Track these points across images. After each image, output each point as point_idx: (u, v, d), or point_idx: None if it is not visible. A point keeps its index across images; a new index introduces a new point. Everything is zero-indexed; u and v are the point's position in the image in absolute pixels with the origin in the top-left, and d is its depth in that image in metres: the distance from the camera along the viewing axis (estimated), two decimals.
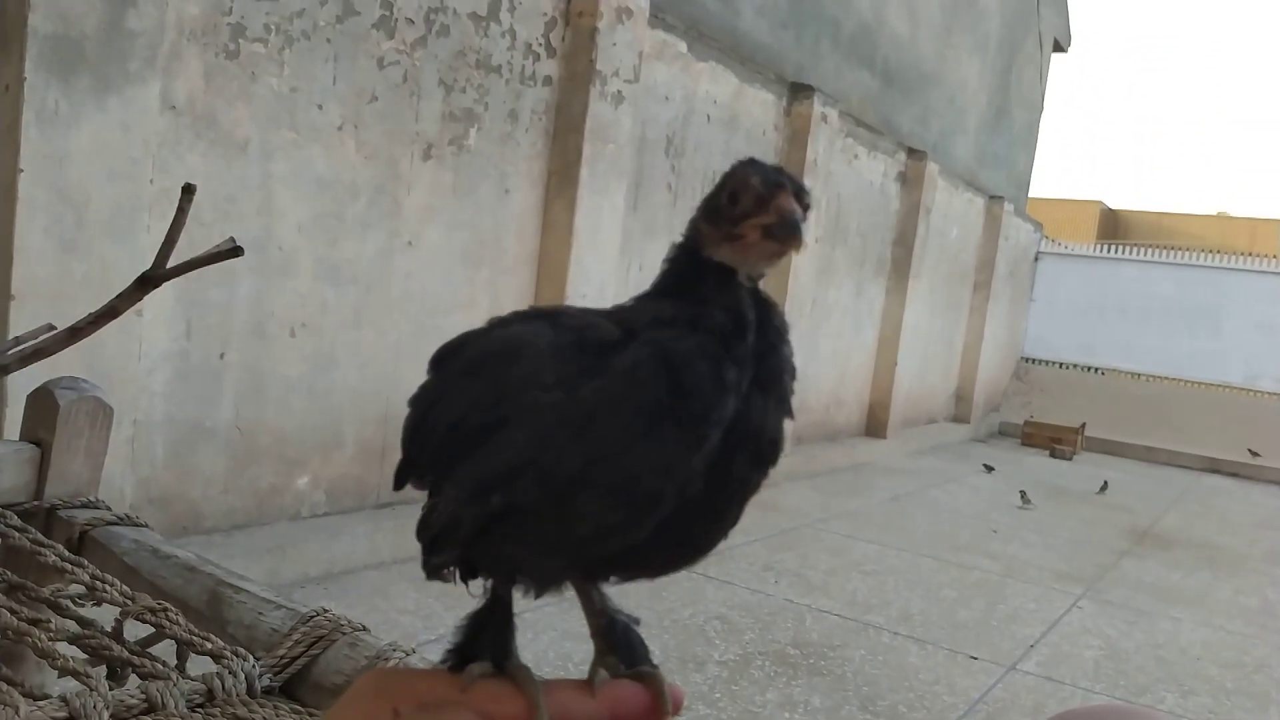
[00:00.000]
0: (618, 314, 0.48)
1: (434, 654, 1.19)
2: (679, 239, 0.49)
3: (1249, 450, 10.13)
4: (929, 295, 8.83)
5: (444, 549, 0.48)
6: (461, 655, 0.49)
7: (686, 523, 0.45)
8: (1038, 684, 3.32)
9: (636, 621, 0.52)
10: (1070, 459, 9.46)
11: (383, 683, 0.47)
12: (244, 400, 3.41)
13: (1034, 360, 12.50)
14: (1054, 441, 9.83)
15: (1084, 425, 10.18)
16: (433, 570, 0.51)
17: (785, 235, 0.45)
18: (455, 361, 0.50)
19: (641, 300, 0.48)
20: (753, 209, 0.45)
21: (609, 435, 0.43)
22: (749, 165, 0.47)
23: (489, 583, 0.50)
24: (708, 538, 0.48)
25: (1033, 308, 12.47)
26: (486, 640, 0.48)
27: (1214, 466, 9.96)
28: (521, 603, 0.50)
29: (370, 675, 0.48)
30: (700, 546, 0.48)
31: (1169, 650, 3.86)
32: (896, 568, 4.59)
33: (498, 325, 0.50)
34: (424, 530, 0.50)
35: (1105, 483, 7.81)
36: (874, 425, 8.20)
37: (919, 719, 2.92)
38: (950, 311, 9.65)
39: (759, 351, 0.45)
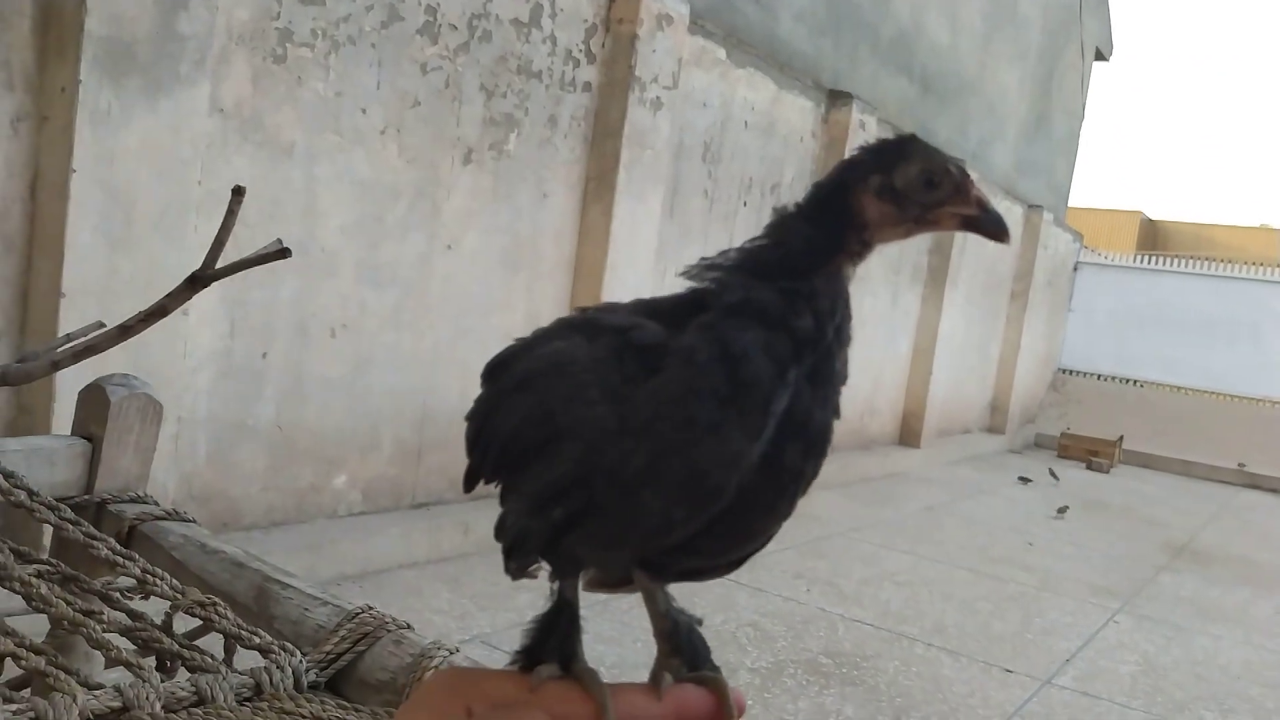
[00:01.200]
0: (703, 285, 0.48)
1: (473, 654, 1.20)
2: (796, 205, 0.48)
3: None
4: (965, 304, 8.75)
5: (520, 557, 0.50)
6: (529, 657, 0.49)
7: (741, 514, 0.46)
8: (1074, 699, 3.28)
9: (699, 622, 0.53)
10: (1108, 472, 9.33)
11: (455, 682, 0.49)
12: (285, 399, 3.46)
13: (1071, 371, 12.35)
14: (1091, 454, 9.70)
15: (1121, 438, 10.04)
16: (514, 573, 0.52)
17: (997, 230, 0.47)
18: (506, 376, 0.52)
19: (738, 272, 0.47)
20: (949, 197, 0.47)
21: (675, 430, 0.43)
22: (929, 148, 0.47)
23: (555, 585, 0.51)
24: (762, 528, 0.49)
25: (1071, 318, 12.32)
26: (554, 643, 0.49)
27: (1253, 481, 9.78)
28: None
29: (442, 674, 0.49)
30: (755, 536, 0.49)
31: (1207, 668, 3.80)
32: (930, 578, 4.55)
33: (541, 339, 0.51)
34: (500, 536, 0.51)
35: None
36: (908, 435, 8.14)
37: None
38: (987, 321, 9.56)
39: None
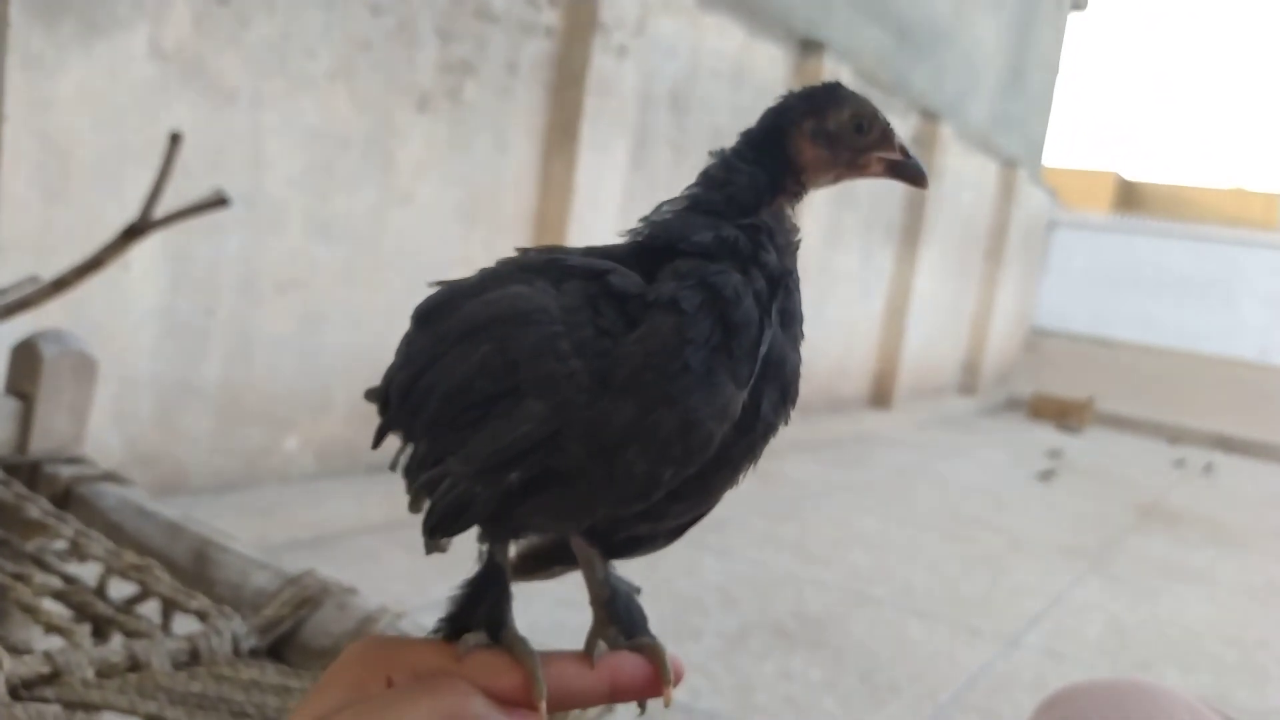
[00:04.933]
0: (653, 230, 0.46)
1: (427, 620, 1.13)
2: (731, 151, 0.49)
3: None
4: (939, 263, 8.68)
5: (456, 526, 0.45)
6: (455, 625, 0.47)
7: (709, 471, 0.44)
8: (1039, 658, 3.26)
9: (638, 591, 0.51)
10: (1078, 433, 9.37)
11: (376, 650, 0.46)
12: (231, 358, 3.33)
13: (1045, 331, 12.37)
14: (1062, 415, 9.73)
15: (1092, 399, 10.08)
16: (434, 546, 0.48)
17: (918, 176, 0.49)
18: (448, 321, 0.46)
19: (689, 213, 0.46)
20: (876, 142, 0.48)
21: (666, 380, 0.41)
22: (856, 94, 0.49)
23: (484, 549, 0.48)
24: (722, 486, 0.47)
25: (1045, 278, 12.32)
26: (482, 610, 0.47)
27: (1223, 443, 9.85)
28: None
29: (363, 643, 0.46)
30: (714, 495, 0.47)
31: (1172, 626, 3.80)
32: (899, 540, 4.52)
33: (491, 280, 0.46)
34: (416, 502, 0.47)
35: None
36: (879, 396, 8.10)
37: (918, 692, 2.86)
38: (960, 280, 9.50)
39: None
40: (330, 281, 3.57)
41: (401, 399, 0.48)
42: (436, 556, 0.54)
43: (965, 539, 4.70)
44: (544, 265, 0.46)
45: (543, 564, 0.54)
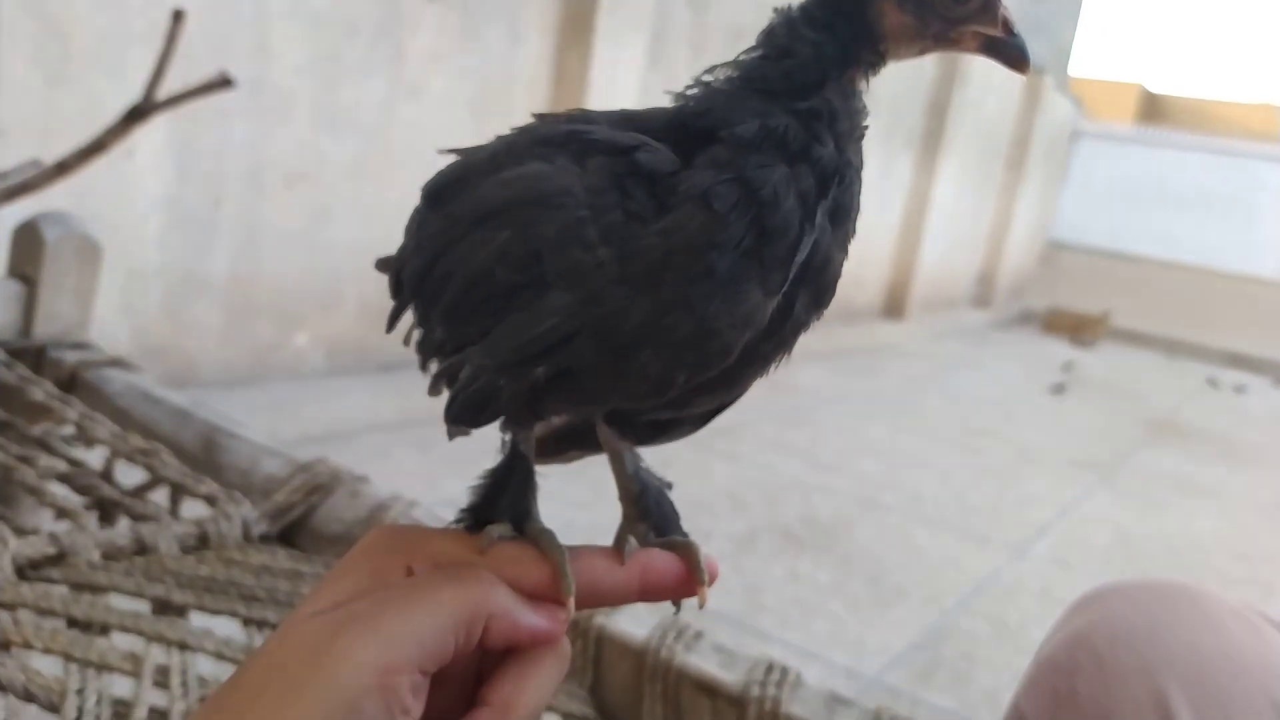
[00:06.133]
0: (696, 105, 0.42)
1: (441, 513, 1.09)
2: (800, 8, 0.43)
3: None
4: (959, 172, 8.49)
5: (479, 418, 0.43)
6: (478, 515, 0.45)
7: (734, 369, 0.42)
8: (1047, 567, 3.28)
9: (669, 486, 0.49)
10: (1092, 347, 9.31)
11: (396, 538, 0.44)
12: (240, 252, 3.28)
13: (1062, 244, 12.18)
14: (1076, 329, 9.66)
15: (1107, 313, 9.99)
16: (460, 434, 0.45)
17: (1019, 58, 0.43)
18: (462, 202, 0.42)
19: (739, 88, 0.41)
20: (975, 14, 0.42)
21: (687, 283, 0.38)
22: None
23: (507, 437, 0.46)
24: (749, 381, 0.45)
25: (1066, 189, 12.07)
26: (506, 500, 0.45)
27: (1238, 361, 9.79)
28: None
29: (382, 529, 0.44)
30: (739, 388, 0.45)
31: (1179, 540, 3.82)
32: (908, 450, 4.52)
33: (506, 154, 0.42)
34: (435, 387, 0.45)
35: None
36: (893, 306, 8.03)
37: (925, 596, 2.88)
38: (980, 190, 9.31)
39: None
40: (339, 175, 3.49)
41: (416, 285, 0.44)
42: (447, 454, 0.51)
43: (975, 449, 4.70)
44: (565, 138, 0.41)
45: (558, 448, 0.51)
